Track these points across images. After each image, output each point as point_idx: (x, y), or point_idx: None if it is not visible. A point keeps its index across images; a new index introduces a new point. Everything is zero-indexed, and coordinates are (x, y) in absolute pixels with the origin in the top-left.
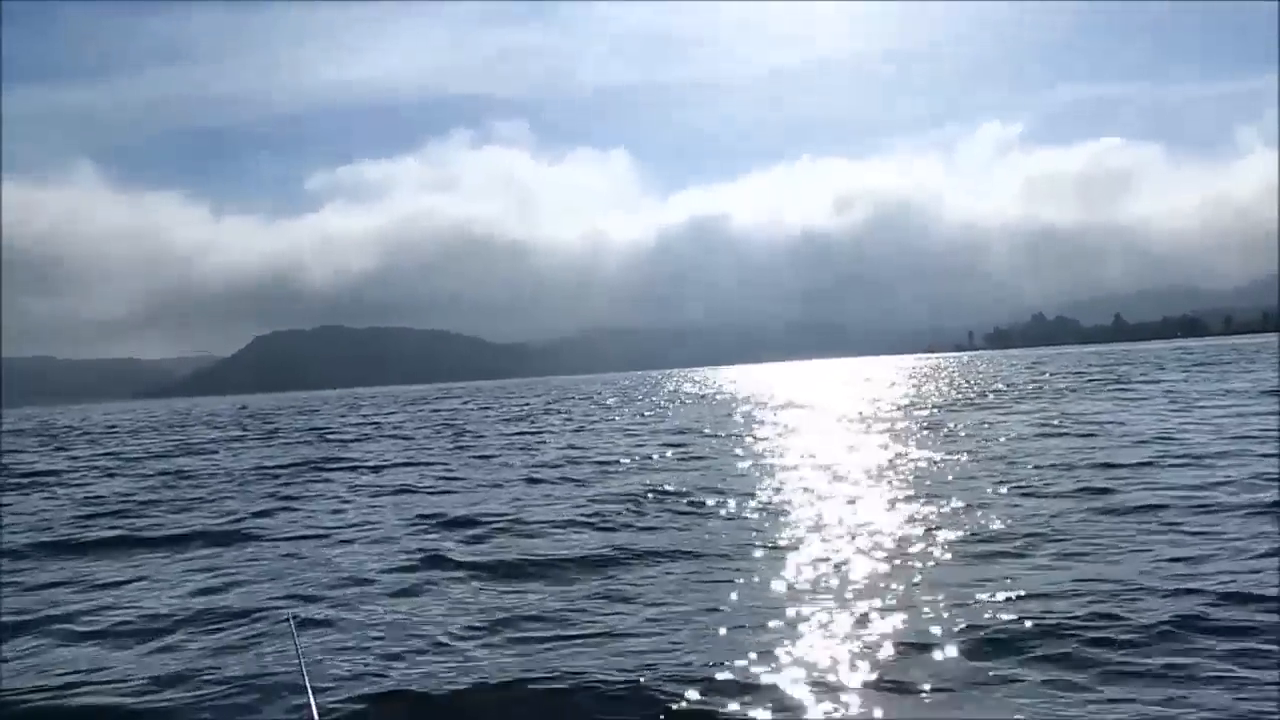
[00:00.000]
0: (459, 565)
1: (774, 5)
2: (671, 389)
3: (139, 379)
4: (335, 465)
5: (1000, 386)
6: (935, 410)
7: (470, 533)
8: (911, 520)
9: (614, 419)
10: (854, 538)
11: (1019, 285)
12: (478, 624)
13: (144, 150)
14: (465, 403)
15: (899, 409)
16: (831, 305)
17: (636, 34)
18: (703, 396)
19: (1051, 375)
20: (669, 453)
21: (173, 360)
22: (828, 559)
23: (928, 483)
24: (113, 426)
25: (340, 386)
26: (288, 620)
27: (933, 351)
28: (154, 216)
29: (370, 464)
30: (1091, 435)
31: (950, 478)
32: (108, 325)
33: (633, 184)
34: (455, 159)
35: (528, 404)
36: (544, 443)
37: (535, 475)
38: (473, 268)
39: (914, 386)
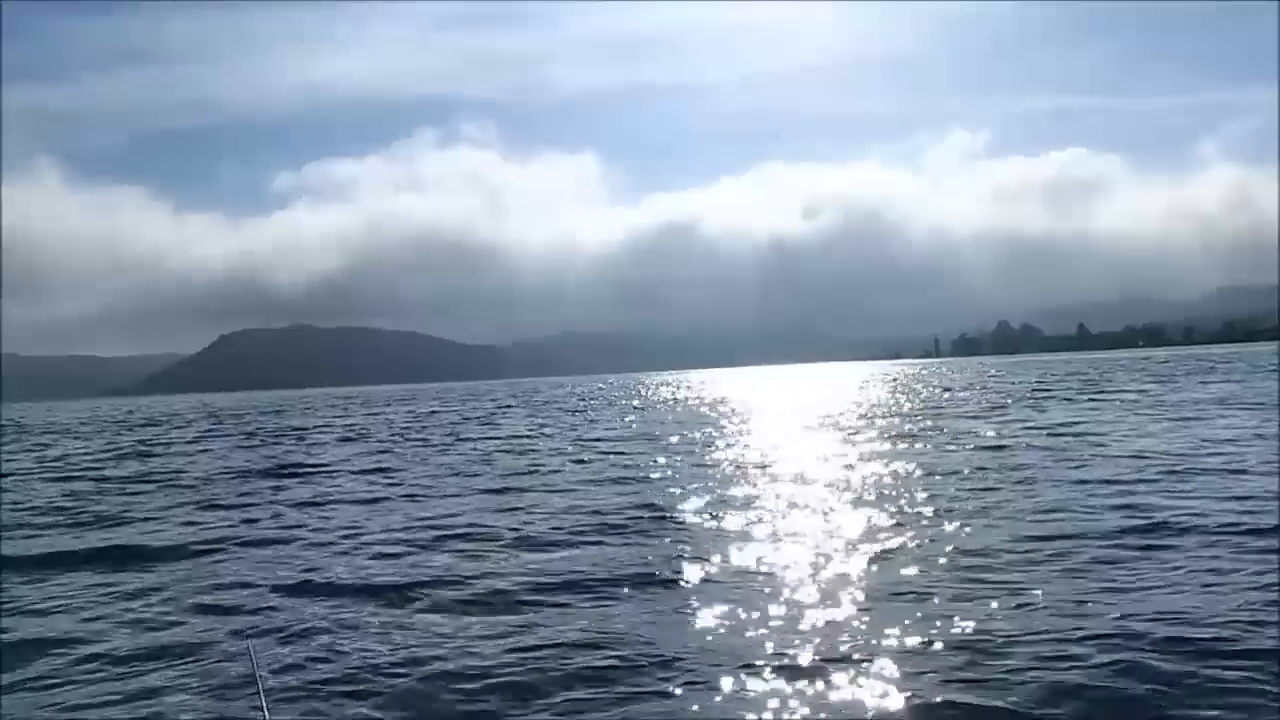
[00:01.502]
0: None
1: (745, 11)
2: (648, 394)
3: (103, 377)
4: (284, 472)
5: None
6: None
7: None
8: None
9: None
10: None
11: (985, 292)
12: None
13: (106, 150)
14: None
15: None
16: (801, 311)
17: (606, 37)
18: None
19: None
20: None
21: (137, 358)
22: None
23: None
24: (54, 426)
25: (308, 387)
26: (246, 648)
27: (900, 358)
28: (117, 214)
29: (314, 471)
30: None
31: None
32: (70, 323)
33: (602, 187)
34: (422, 159)
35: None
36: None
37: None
38: (442, 268)
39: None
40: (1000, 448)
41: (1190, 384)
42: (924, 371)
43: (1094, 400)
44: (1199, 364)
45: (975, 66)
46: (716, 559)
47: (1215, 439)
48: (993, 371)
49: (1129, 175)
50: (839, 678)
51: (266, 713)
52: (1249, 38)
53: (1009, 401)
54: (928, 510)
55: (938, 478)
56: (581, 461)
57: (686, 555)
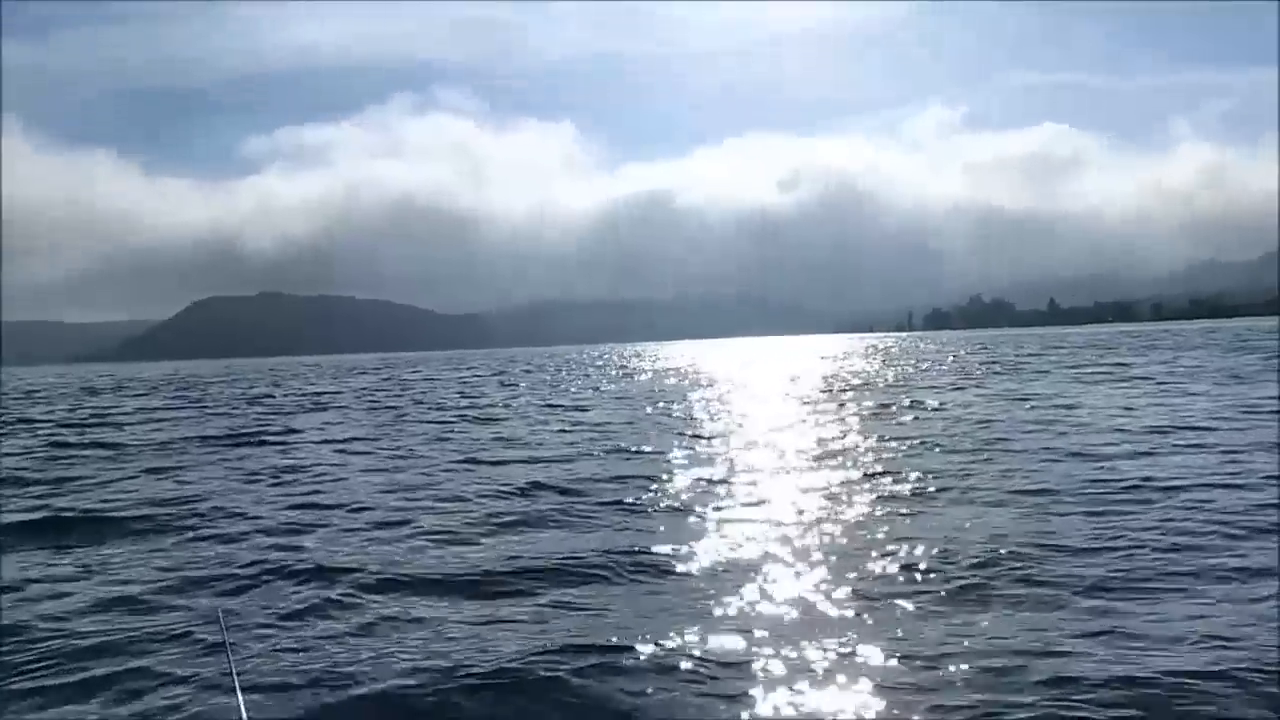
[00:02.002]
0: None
1: None
2: (623, 365)
3: (72, 342)
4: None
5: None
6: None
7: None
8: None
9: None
10: None
11: (959, 267)
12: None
13: (75, 111)
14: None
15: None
16: (776, 283)
17: (586, 6)
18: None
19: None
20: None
21: (108, 324)
22: None
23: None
24: (17, 392)
25: (284, 355)
26: (215, 614)
27: (874, 331)
28: (86, 177)
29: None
30: None
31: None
32: (38, 287)
33: (581, 156)
34: (398, 125)
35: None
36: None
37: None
38: (419, 237)
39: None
40: (975, 420)
41: (1163, 358)
42: (899, 345)
43: (1069, 373)
44: (1176, 340)
45: (956, 41)
46: (697, 542)
47: (1191, 411)
48: (966, 345)
49: (1105, 153)
50: (823, 675)
51: (242, 705)
52: (1228, 20)
53: (984, 373)
54: (912, 488)
55: (920, 451)
56: (564, 432)
57: (666, 537)
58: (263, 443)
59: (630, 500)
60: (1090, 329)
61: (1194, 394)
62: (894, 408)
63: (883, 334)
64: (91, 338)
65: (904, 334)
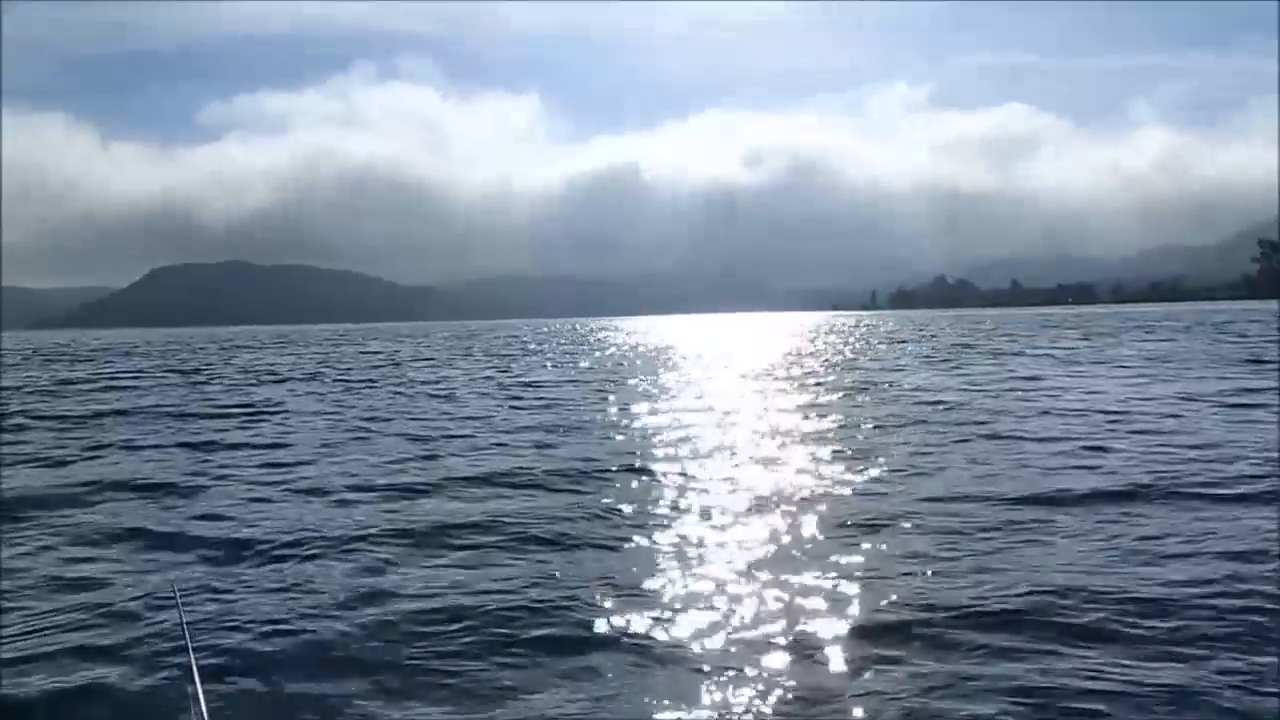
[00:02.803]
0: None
1: None
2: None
3: (30, 309)
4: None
5: None
6: None
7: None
8: None
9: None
10: None
11: (923, 246)
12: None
13: (28, 75)
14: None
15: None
16: (740, 259)
17: None
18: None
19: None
20: None
21: (65, 290)
22: None
23: None
24: None
25: (244, 324)
26: (170, 586)
27: (838, 309)
28: (40, 142)
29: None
30: None
31: None
32: None
33: (546, 129)
34: (360, 94)
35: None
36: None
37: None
38: (382, 208)
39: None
40: (942, 402)
41: (1128, 340)
42: (864, 323)
43: (1038, 356)
44: (1142, 321)
45: (921, 20)
46: (671, 530)
47: (1164, 396)
48: (932, 324)
49: (1067, 134)
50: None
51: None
52: (1187, 6)
53: (957, 354)
54: (886, 472)
55: (894, 435)
56: (517, 408)
57: (625, 541)
58: (218, 414)
59: (589, 493)
60: (1053, 310)
61: (1181, 380)
62: (869, 389)
63: (847, 312)
64: (51, 304)
65: (869, 313)
